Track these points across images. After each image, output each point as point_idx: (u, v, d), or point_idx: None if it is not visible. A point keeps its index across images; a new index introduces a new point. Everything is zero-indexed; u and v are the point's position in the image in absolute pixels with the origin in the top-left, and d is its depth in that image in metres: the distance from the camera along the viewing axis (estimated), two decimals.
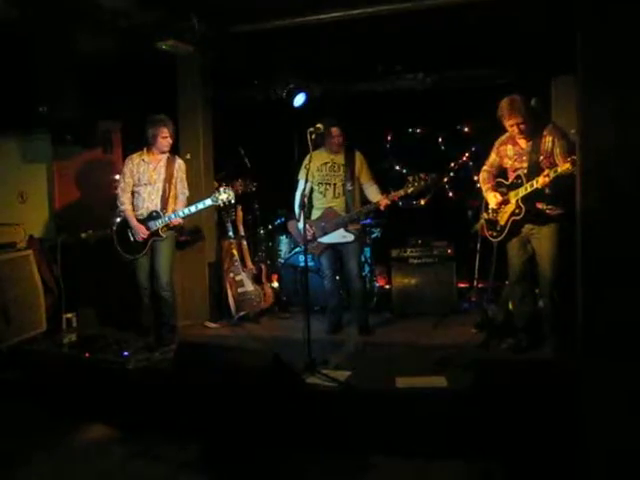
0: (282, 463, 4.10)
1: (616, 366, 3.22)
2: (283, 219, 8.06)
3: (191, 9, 6.21)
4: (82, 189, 7.38)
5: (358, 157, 6.40)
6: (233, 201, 6.11)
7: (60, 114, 6.22)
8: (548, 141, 5.06)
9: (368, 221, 7.39)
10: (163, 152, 6.12)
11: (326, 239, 6.35)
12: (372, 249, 7.67)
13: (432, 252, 7.24)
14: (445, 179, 7.94)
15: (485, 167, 5.62)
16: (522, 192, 5.12)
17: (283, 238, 8.13)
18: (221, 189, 6.05)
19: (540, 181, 4.91)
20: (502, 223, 5.38)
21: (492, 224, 5.52)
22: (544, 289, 5.33)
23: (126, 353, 5.64)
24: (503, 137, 5.39)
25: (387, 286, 7.64)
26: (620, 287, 3.22)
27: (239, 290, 7.20)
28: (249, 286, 7.20)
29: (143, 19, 6.03)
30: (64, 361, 5.81)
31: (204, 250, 7.27)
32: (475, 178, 6.73)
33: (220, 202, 6.02)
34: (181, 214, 6.05)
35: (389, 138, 8.57)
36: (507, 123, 5.15)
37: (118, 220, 6.24)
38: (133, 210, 6.13)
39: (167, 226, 6.06)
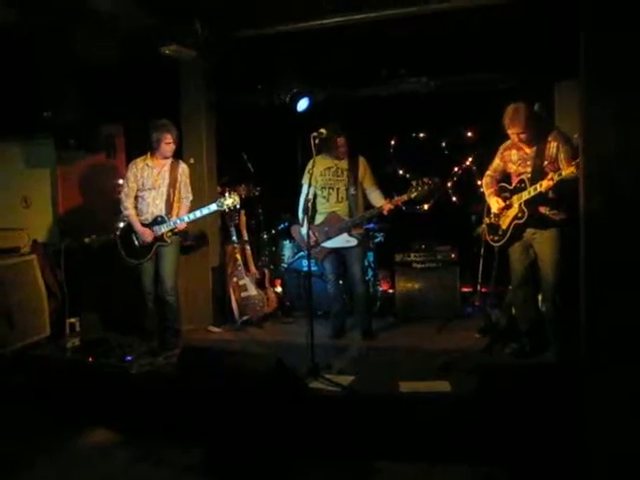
0: (285, 467, 4.09)
1: (619, 370, 3.21)
2: (286, 224, 8.05)
3: (194, 14, 6.22)
4: (85, 194, 7.40)
5: (361, 162, 6.40)
6: (238, 206, 6.13)
7: (63, 119, 6.25)
8: (553, 147, 5.06)
9: (371, 226, 7.38)
10: (166, 157, 6.13)
11: (329, 244, 6.35)
12: (375, 253, 7.66)
13: (436, 257, 7.24)
14: (449, 184, 7.93)
15: (488, 172, 5.62)
16: (525, 196, 5.12)
17: (286, 243, 8.13)
18: (226, 194, 6.07)
19: (544, 185, 4.90)
20: (504, 227, 5.37)
21: (494, 229, 5.51)
22: (547, 293, 5.32)
23: (129, 357, 5.63)
24: (507, 142, 5.38)
25: (390, 290, 7.65)
26: (623, 291, 3.21)
27: (242, 295, 7.20)
28: (252, 291, 7.21)
29: (146, 24, 6.04)
30: (67, 366, 5.82)
31: (208, 255, 7.28)
32: (478, 183, 6.72)
33: (225, 207, 6.04)
34: (186, 219, 6.06)
35: (392, 143, 8.56)
36: (508, 131, 5.17)
37: (122, 225, 6.25)
38: (137, 215, 6.14)
39: (172, 231, 6.06)
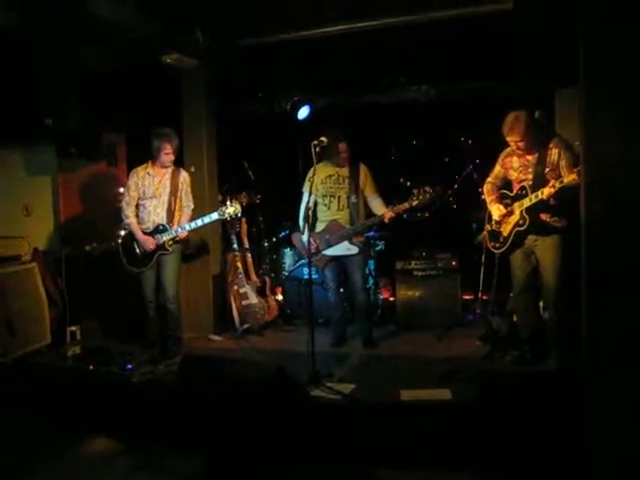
0: (286, 475, 4.08)
1: (621, 377, 3.21)
2: (287, 232, 8.05)
3: (195, 22, 6.24)
4: (87, 202, 7.40)
5: (363, 170, 6.40)
6: (240, 214, 6.14)
7: (65, 127, 6.25)
8: (554, 153, 5.07)
9: (372, 233, 7.38)
10: (165, 167, 6.14)
11: (330, 251, 6.35)
12: (376, 261, 7.66)
13: (436, 264, 7.23)
14: (449, 191, 7.93)
15: (489, 179, 5.62)
16: (527, 203, 5.13)
17: (287, 251, 8.12)
18: (227, 203, 6.08)
19: (546, 192, 4.90)
20: (505, 234, 5.37)
21: (495, 236, 5.51)
22: (548, 301, 5.32)
23: (130, 366, 5.62)
24: (508, 149, 5.38)
25: (391, 298, 7.64)
26: (624, 297, 3.21)
27: (243, 303, 7.20)
28: (253, 299, 7.20)
29: (148, 32, 6.05)
30: (68, 373, 5.81)
31: (208, 263, 7.28)
32: (479, 190, 6.73)
33: (227, 216, 6.05)
34: (187, 227, 6.07)
35: (393, 150, 8.58)
36: (507, 139, 5.18)
37: (123, 233, 6.25)
38: (139, 223, 6.14)
39: (173, 239, 6.07)
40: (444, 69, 7.30)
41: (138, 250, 6.12)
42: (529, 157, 5.21)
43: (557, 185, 4.82)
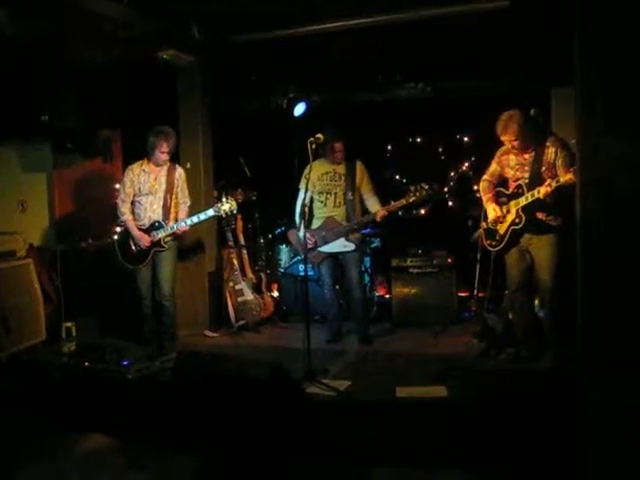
0: (281, 472, 4.08)
1: (616, 375, 3.22)
2: (283, 228, 8.05)
3: (191, 19, 6.22)
4: (82, 198, 7.39)
5: (359, 167, 6.40)
6: (235, 212, 6.14)
7: (60, 123, 6.24)
8: (551, 152, 5.07)
9: (368, 231, 7.38)
10: (158, 165, 6.13)
11: (327, 248, 6.35)
12: (372, 258, 7.66)
13: (432, 262, 7.23)
14: (445, 188, 7.94)
15: (485, 176, 5.62)
16: (523, 202, 5.13)
17: (283, 247, 8.12)
18: (223, 199, 6.07)
19: (542, 191, 4.91)
20: (501, 232, 5.37)
21: (491, 233, 5.52)
22: (544, 299, 5.33)
23: (126, 362, 5.62)
24: (505, 147, 5.38)
25: (387, 296, 7.63)
26: (619, 296, 3.22)
27: (239, 299, 7.19)
28: (249, 295, 7.20)
29: (144, 29, 6.04)
30: (63, 370, 5.79)
31: (204, 259, 7.27)
32: (475, 187, 6.73)
33: (222, 213, 6.05)
34: (187, 222, 6.06)
35: (389, 148, 8.58)
36: (502, 138, 5.19)
37: (119, 230, 6.25)
38: (134, 220, 6.13)
39: (170, 236, 6.07)
40: (440, 67, 7.29)
41: (134, 247, 6.12)
42: (526, 155, 5.21)
43: (554, 184, 4.82)
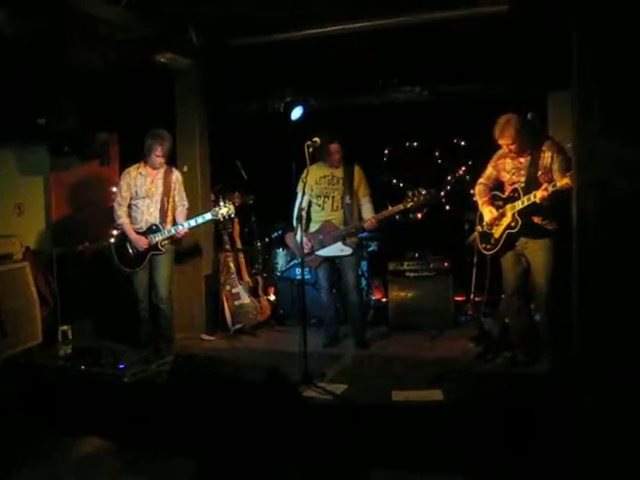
0: (278, 476, 4.08)
1: (613, 379, 3.22)
2: (280, 232, 8.05)
3: (189, 22, 6.22)
4: (79, 201, 7.38)
5: (357, 171, 6.40)
6: (233, 215, 6.14)
7: (58, 125, 6.23)
8: (547, 156, 5.07)
9: (364, 234, 7.39)
10: (154, 168, 6.13)
11: (324, 252, 6.35)
12: (369, 262, 7.67)
13: (429, 265, 7.23)
14: (442, 192, 7.94)
15: (481, 180, 5.62)
16: (519, 206, 5.12)
17: (280, 251, 8.12)
18: (221, 203, 6.07)
19: (539, 195, 4.90)
20: (497, 236, 5.37)
21: (486, 237, 5.51)
22: (540, 303, 5.33)
23: (122, 365, 5.60)
24: (501, 151, 5.38)
25: (384, 299, 7.63)
26: (616, 300, 3.22)
27: (236, 303, 7.19)
28: (246, 299, 7.20)
29: (141, 32, 6.04)
30: (60, 373, 5.78)
31: (201, 263, 7.27)
32: (471, 191, 6.74)
33: (220, 216, 6.05)
34: (181, 227, 6.05)
35: (386, 152, 8.58)
36: (499, 142, 5.19)
37: (116, 233, 6.24)
38: (131, 223, 6.13)
39: (167, 239, 6.07)
40: (437, 71, 7.29)
41: (131, 250, 6.11)
42: (522, 159, 5.22)
43: (550, 189, 4.81)
